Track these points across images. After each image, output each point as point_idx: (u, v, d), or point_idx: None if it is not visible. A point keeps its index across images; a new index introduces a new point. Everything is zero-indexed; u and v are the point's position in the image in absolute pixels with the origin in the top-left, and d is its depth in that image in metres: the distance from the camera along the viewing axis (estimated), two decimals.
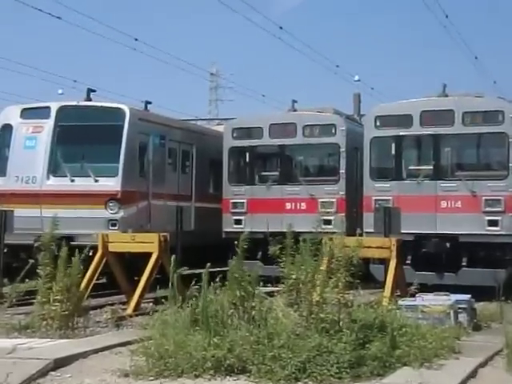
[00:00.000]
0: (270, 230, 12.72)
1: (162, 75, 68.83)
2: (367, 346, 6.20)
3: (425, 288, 9.31)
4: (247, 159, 14.98)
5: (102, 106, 14.01)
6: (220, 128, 17.35)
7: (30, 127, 13.73)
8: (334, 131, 14.30)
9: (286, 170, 14.76)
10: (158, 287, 10.62)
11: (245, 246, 7.04)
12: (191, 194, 15.57)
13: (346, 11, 70.41)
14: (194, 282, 7.33)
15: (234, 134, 14.96)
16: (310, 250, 6.89)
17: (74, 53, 64.90)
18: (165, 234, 10.87)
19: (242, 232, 7.63)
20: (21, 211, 12.76)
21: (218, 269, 7.88)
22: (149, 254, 10.62)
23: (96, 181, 13.21)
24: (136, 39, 21.09)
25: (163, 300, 7.59)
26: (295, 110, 15.10)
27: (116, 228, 12.95)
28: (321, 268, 7.01)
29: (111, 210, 13.12)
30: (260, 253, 13.13)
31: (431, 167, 13.21)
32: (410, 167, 13.55)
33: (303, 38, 38.55)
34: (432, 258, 12.61)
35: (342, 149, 14.23)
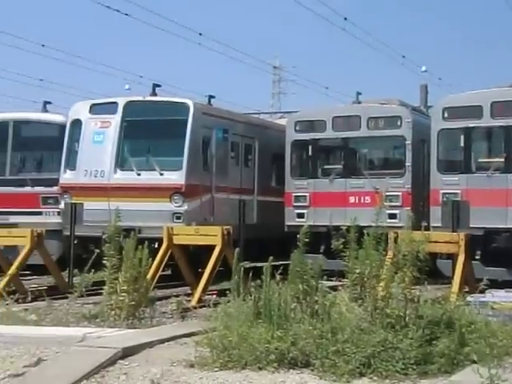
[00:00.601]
0: (333, 224, 12.62)
1: (226, 69, 69.36)
2: (434, 342, 6.07)
3: (495, 284, 9.04)
4: (310, 152, 14.92)
5: (166, 101, 14.25)
6: (283, 121, 17.36)
7: (98, 122, 14.11)
8: (399, 123, 14.05)
9: (349, 163, 14.62)
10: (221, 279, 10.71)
11: (307, 240, 7.01)
12: (254, 187, 15.64)
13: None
14: (255, 275, 7.36)
15: (297, 127, 14.93)
16: (375, 245, 6.79)
17: (141, 48, 66.25)
18: (228, 227, 10.97)
19: (304, 226, 7.59)
20: (90, 204, 13.18)
21: (281, 262, 7.89)
22: (212, 247, 10.74)
23: (161, 174, 13.46)
24: (200, 34, 21.36)
25: (226, 292, 7.66)
26: (359, 102, 14.93)
27: (180, 221, 13.16)
28: (386, 262, 6.90)
29: (176, 203, 13.34)
30: (323, 247, 13.07)
31: (502, 160, 12.80)
32: (480, 160, 13.17)
33: (368, 29, 38.10)
34: (503, 253, 12.23)
35: (408, 141, 13.98)
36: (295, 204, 14.58)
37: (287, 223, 14.44)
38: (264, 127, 16.76)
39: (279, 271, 7.11)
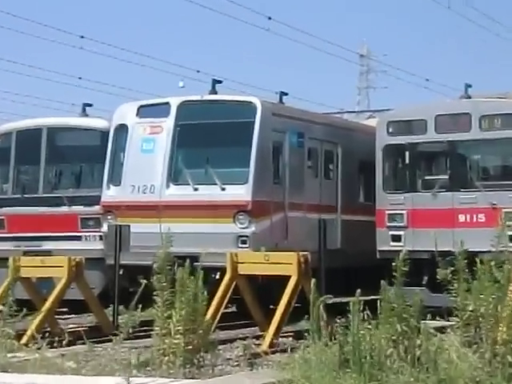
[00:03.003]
0: (438, 249, 12.37)
1: (301, 60, 69.70)
2: None
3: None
4: (407, 160, 14.74)
5: (229, 100, 14.40)
6: (372, 122, 17.24)
7: (147, 127, 14.38)
8: None
9: (457, 173, 14.34)
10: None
11: (405, 269, 6.91)
12: (336, 204, 15.57)
13: None
14: (340, 313, 7.28)
15: (390, 129, 14.79)
16: (492, 275, 6.63)
17: (197, 38, 67.52)
18: (305, 253, 10.92)
19: (401, 251, 7.49)
20: (138, 226, 13.41)
21: (372, 297, 7.79)
22: (286, 278, 10.71)
23: (223, 189, 13.57)
24: (270, 18, 21.56)
25: (305, 334, 7.60)
26: (469, 97, 14.66)
27: (247, 246, 13.21)
28: (507, 298, 6.71)
29: (241, 224, 13.40)
30: (425, 278, 12.88)
31: None
32: None
33: (477, 6, 37.33)
34: None
35: None
36: (389, 224, 14.39)
37: (379, 248, 14.27)
38: (349, 129, 16.68)
39: (366, 308, 7.02)
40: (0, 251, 14.83)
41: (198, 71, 29.18)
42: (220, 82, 14.94)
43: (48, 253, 14.17)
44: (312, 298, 7.62)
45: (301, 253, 10.87)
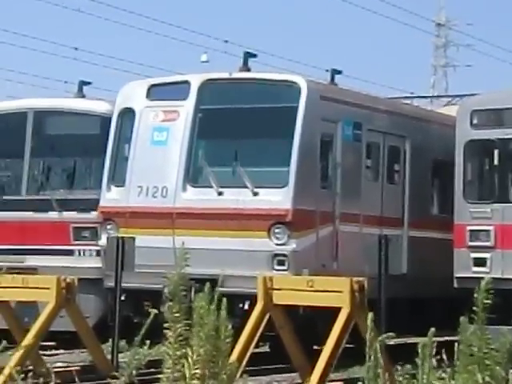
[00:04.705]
0: None
1: (359, 29, 69.58)
2: None
3: None
4: (496, 160, 14.67)
5: (265, 79, 14.47)
6: (451, 110, 17.21)
7: (159, 112, 14.48)
8: None
9: None
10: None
11: (488, 301, 6.89)
12: (402, 215, 15.60)
13: None
14: (405, 356, 7.28)
15: (475, 121, 14.74)
16: None
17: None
18: (361, 278, 10.91)
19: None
20: (145, 239, 13.49)
21: (446, 338, 7.77)
22: (335, 311, 10.72)
23: (255, 194, 13.62)
24: None
25: (358, 383, 7.61)
26: None
27: (285, 268, 13.26)
28: None
29: (278, 239, 13.43)
30: None
31: None
32: None
33: None
34: None
35: None
36: (471, 244, 14.33)
37: (457, 275, 14.21)
38: (421, 120, 16.69)
39: (443, 351, 7.02)
40: None
41: (227, 41, 29.42)
42: (254, 55, 15.03)
43: (32, 270, 14.31)
44: (368, 337, 7.61)
45: (355, 278, 10.86)
